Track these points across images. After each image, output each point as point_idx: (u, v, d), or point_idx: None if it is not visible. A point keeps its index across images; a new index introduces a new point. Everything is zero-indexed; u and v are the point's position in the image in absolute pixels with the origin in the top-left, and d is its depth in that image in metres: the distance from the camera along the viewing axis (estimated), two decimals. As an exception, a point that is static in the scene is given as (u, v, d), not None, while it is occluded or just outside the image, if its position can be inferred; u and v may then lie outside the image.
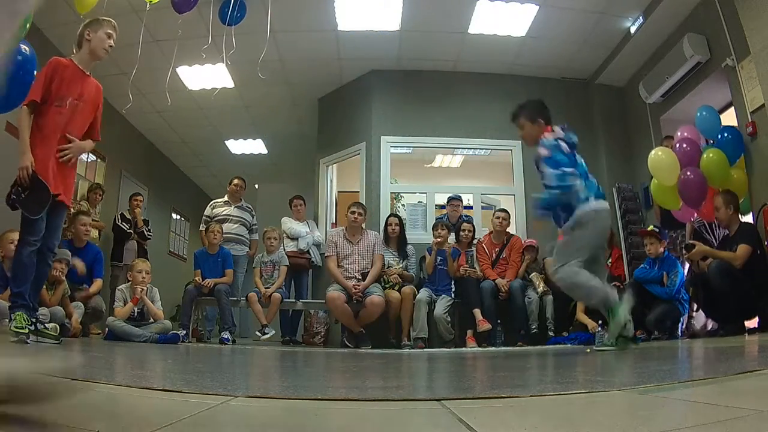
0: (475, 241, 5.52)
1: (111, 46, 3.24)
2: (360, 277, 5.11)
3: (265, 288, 5.28)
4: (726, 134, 4.40)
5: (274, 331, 5.31)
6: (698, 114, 4.52)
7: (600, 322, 4.42)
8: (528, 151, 6.36)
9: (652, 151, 4.72)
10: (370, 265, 5.18)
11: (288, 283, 5.66)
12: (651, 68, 5.62)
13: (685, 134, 4.60)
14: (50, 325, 3.92)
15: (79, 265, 4.73)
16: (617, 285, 4.77)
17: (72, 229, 4.92)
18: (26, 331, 2.88)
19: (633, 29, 5.47)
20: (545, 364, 2.43)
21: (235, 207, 6.04)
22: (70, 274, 4.55)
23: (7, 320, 2.98)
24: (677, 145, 4.62)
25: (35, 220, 2.98)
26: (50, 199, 2.98)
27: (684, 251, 4.14)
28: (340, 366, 2.68)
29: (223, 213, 5.97)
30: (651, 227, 4.76)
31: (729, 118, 4.74)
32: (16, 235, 4.02)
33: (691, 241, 4.22)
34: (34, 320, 3.02)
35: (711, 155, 4.31)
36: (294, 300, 5.63)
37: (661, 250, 4.50)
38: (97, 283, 4.95)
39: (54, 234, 3.16)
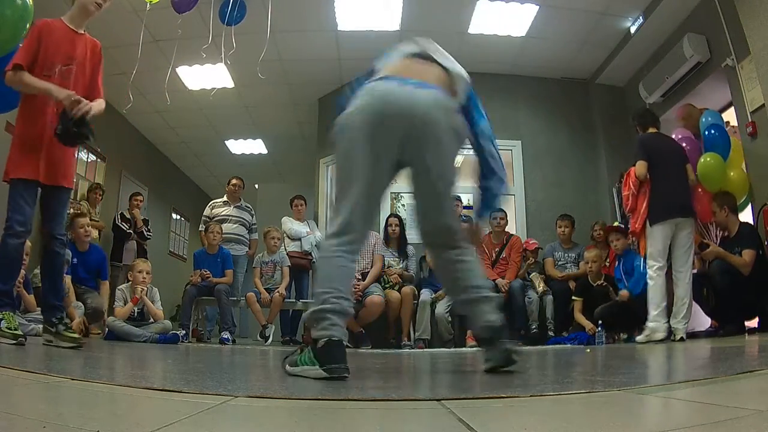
0: (474, 241, 5.52)
1: None
2: (360, 277, 5.11)
3: (265, 288, 5.28)
4: (713, 131, 4.37)
5: (273, 327, 5.33)
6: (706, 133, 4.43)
7: (600, 322, 4.42)
8: (528, 152, 6.43)
9: None
10: (370, 266, 5.18)
11: (289, 283, 5.66)
12: (651, 68, 5.62)
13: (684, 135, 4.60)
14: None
15: None
16: (601, 284, 4.73)
17: (71, 233, 4.89)
18: (20, 332, 2.56)
19: (633, 29, 5.47)
20: (545, 364, 2.43)
21: (234, 207, 6.04)
22: (74, 273, 4.55)
23: None
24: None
25: (23, 201, 2.63)
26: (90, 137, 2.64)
27: (698, 249, 4.12)
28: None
29: (222, 213, 5.97)
30: (616, 223, 4.78)
31: (728, 118, 4.74)
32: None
33: (706, 241, 4.19)
34: (56, 320, 2.73)
35: (708, 159, 4.29)
36: (294, 300, 5.63)
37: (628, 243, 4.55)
38: (105, 286, 4.85)
39: (56, 219, 2.84)
